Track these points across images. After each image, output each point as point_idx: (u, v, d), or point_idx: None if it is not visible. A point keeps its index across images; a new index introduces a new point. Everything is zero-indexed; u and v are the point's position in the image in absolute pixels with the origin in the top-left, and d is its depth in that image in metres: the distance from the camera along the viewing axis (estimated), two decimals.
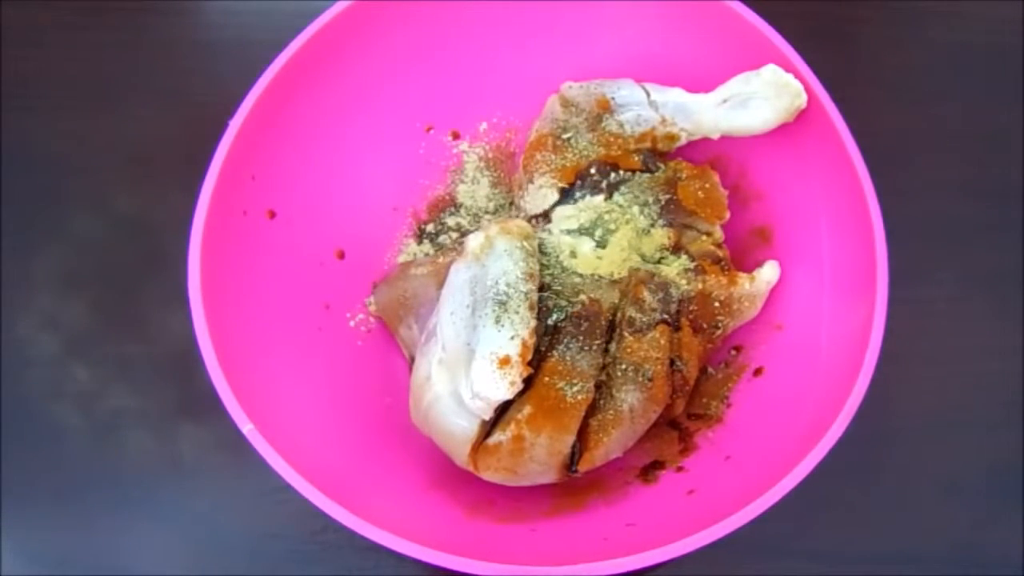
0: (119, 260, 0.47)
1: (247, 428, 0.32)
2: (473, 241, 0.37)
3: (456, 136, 0.46)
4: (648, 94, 0.42)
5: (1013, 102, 0.53)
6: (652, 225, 0.41)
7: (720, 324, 0.40)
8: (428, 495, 0.37)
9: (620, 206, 0.41)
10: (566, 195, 0.41)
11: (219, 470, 0.43)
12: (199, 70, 0.45)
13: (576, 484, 0.38)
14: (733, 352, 0.42)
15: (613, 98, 0.42)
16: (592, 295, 0.38)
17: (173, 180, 0.41)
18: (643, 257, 0.40)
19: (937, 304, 0.46)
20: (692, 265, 0.40)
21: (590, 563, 0.30)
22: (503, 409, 0.36)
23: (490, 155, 0.46)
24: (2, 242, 0.47)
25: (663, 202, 0.41)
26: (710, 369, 0.41)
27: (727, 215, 0.41)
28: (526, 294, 0.36)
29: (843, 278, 0.39)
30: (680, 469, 0.38)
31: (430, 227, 0.45)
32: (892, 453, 0.44)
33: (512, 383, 0.34)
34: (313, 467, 0.32)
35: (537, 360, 0.36)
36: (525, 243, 0.37)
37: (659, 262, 0.40)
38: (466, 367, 0.35)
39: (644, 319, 0.38)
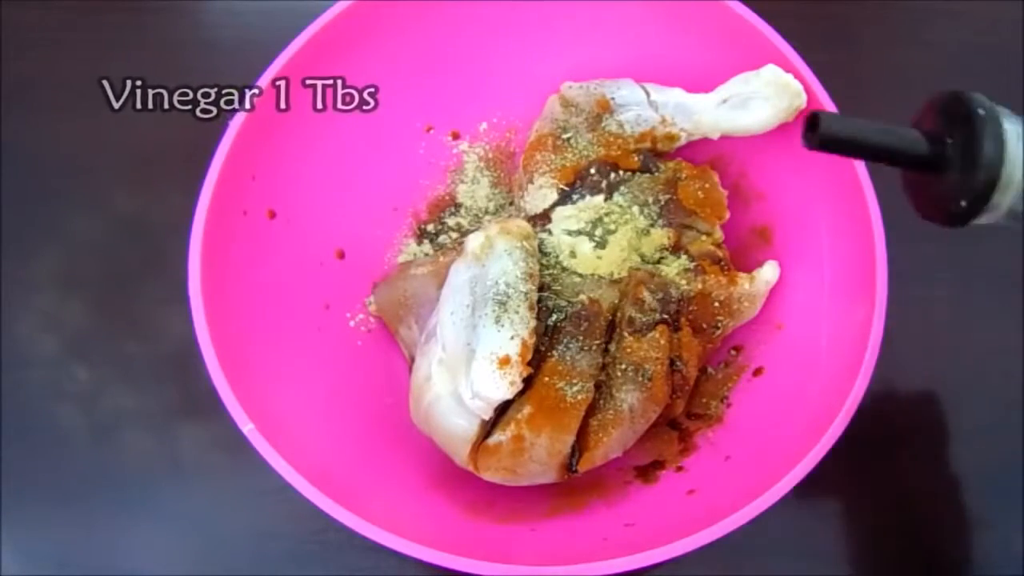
0: (119, 260, 0.47)
1: (247, 428, 0.32)
2: (473, 241, 0.37)
3: (456, 136, 0.46)
4: (648, 94, 0.42)
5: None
6: (652, 225, 0.41)
7: (720, 324, 0.40)
8: (428, 495, 0.37)
9: (620, 206, 0.41)
10: (566, 195, 0.41)
11: (219, 470, 0.43)
12: (199, 70, 0.45)
13: (576, 484, 0.38)
14: (733, 352, 0.42)
15: (613, 98, 0.42)
16: (592, 295, 0.38)
17: (173, 180, 0.41)
18: (643, 257, 0.40)
19: (937, 304, 0.46)
20: (692, 265, 0.40)
21: (590, 563, 0.30)
22: (503, 409, 0.36)
23: (490, 155, 0.46)
24: (2, 242, 0.47)
25: (663, 202, 0.41)
26: (710, 369, 0.41)
27: (727, 215, 0.41)
28: (526, 294, 0.36)
29: (843, 278, 0.39)
30: (680, 469, 0.38)
31: (430, 227, 0.45)
32: (892, 453, 0.44)
33: (512, 383, 0.34)
34: (313, 467, 0.32)
35: (537, 360, 0.36)
36: (525, 243, 0.37)
37: (659, 262, 0.40)
38: (466, 367, 0.35)
39: (644, 319, 0.38)
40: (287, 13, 0.51)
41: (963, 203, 0.25)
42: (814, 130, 0.26)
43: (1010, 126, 0.25)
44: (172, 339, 0.44)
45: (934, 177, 0.25)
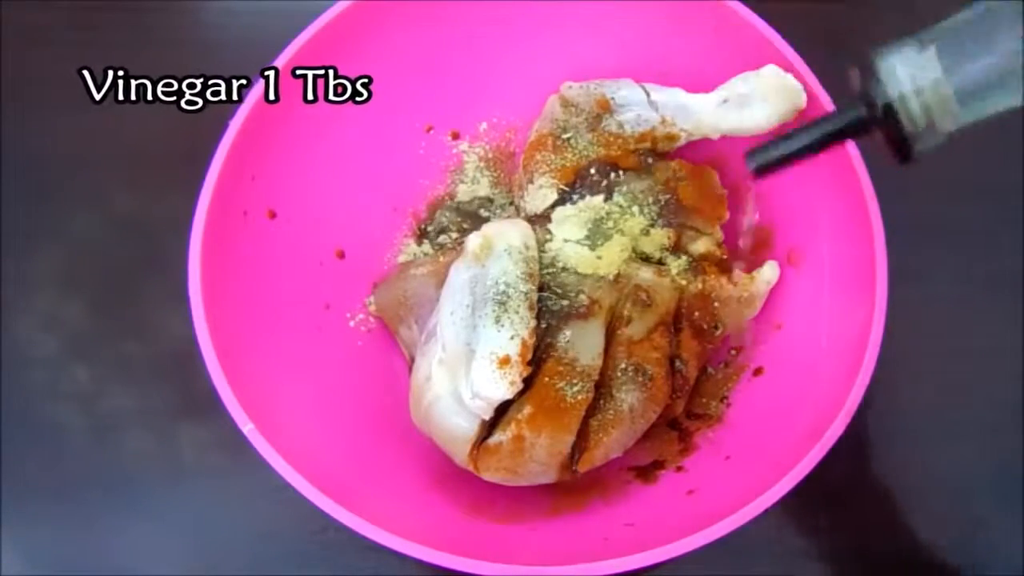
0: (119, 260, 0.47)
1: (247, 428, 0.32)
2: (473, 241, 0.37)
3: (456, 136, 0.46)
4: (648, 94, 0.42)
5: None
6: (652, 225, 0.41)
7: (720, 324, 0.40)
8: (428, 495, 0.37)
9: (620, 206, 0.41)
10: (566, 195, 0.41)
11: (219, 470, 0.43)
12: (199, 70, 0.45)
13: (576, 484, 0.38)
14: (733, 352, 0.42)
15: (613, 98, 0.42)
16: (592, 295, 0.38)
17: (173, 180, 0.41)
18: (643, 257, 0.40)
19: (937, 304, 0.46)
20: (692, 265, 0.40)
21: (590, 563, 0.30)
22: (503, 409, 0.36)
23: (490, 155, 0.46)
24: (2, 242, 0.47)
25: (663, 202, 0.41)
26: (710, 369, 0.41)
27: (726, 215, 0.41)
28: (526, 294, 0.36)
29: (843, 278, 0.39)
30: (680, 469, 0.38)
31: (430, 227, 0.45)
32: (892, 453, 0.44)
33: (512, 383, 0.34)
34: (313, 467, 0.32)
35: (537, 360, 0.36)
36: (525, 243, 0.37)
37: (659, 262, 0.40)
38: (466, 367, 0.35)
39: (644, 319, 0.38)
40: (287, 13, 0.51)
41: (894, 149, 0.27)
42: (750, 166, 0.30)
43: (897, 63, 0.27)
44: (172, 339, 0.44)
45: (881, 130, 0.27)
